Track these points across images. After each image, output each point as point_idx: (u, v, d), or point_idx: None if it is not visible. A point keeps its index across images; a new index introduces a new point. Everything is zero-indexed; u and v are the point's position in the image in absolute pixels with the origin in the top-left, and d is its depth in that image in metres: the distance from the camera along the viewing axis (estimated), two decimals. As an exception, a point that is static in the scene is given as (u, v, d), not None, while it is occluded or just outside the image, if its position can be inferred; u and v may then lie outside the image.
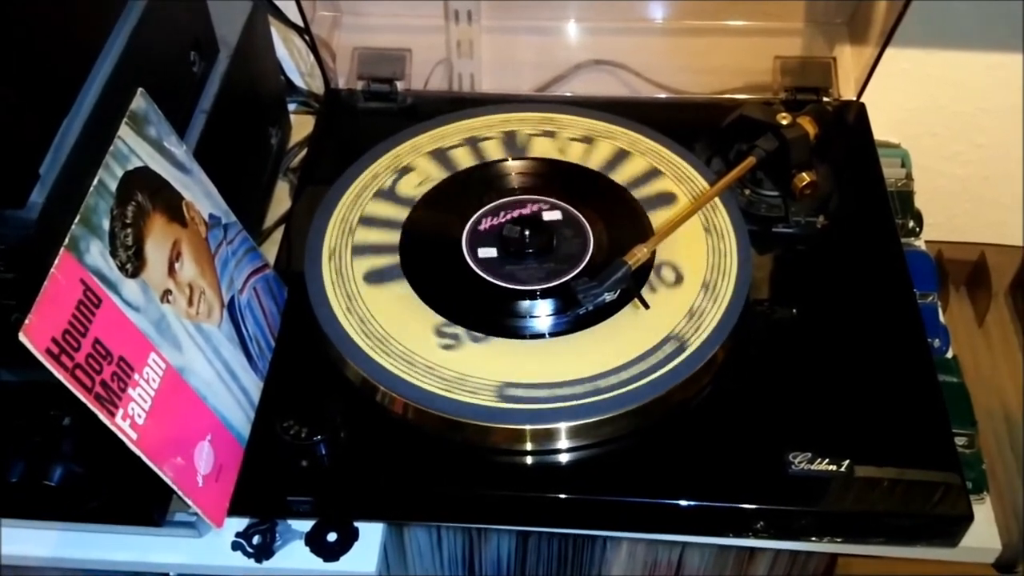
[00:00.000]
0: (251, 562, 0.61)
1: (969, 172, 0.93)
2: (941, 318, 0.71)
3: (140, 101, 0.54)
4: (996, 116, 0.89)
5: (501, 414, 0.56)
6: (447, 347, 0.60)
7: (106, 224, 0.50)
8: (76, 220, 0.48)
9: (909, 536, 0.58)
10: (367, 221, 0.67)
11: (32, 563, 0.63)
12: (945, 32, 0.84)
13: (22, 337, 0.44)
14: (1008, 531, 0.62)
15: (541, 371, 0.58)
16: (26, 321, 0.44)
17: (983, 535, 0.61)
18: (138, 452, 0.50)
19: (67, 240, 0.47)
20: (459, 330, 0.61)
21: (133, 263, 0.52)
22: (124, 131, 0.53)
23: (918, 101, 0.89)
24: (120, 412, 0.49)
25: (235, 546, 0.61)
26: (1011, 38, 0.83)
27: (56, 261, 0.46)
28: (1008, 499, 0.68)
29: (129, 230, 0.52)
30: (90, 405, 0.48)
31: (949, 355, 0.69)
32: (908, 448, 0.57)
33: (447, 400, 0.57)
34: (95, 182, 0.50)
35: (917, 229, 0.76)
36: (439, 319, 0.61)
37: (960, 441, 0.61)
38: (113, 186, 0.51)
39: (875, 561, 0.68)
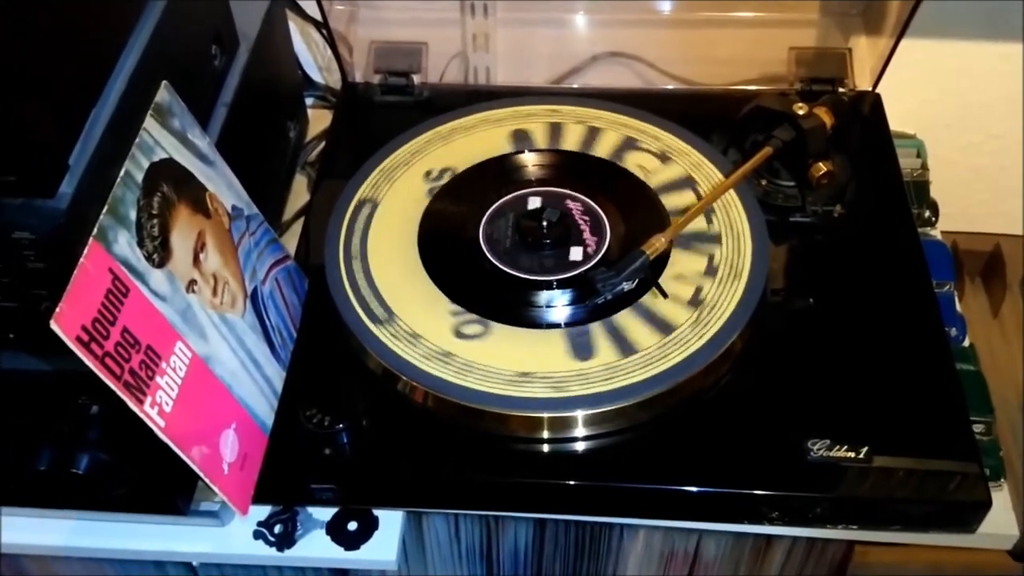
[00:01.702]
0: (273, 551, 0.61)
1: (984, 162, 0.93)
2: (958, 307, 0.71)
3: (164, 93, 0.55)
4: (1011, 106, 0.88)
5: (519, 402, 0.57)
6: (465, 336, 0.60)
7: (133, 215, 0.51)
8: (104, 211, 0.49)
9: (927, 522, 0.58)
10: (385, 213, 0.68)
11: (56, 552, 0.63)
12: (959, 22, 0.84)
13: (53, 325, 0.45)
14: (1025, 518, 0.62)
15: (559, 359, 0.59)
16: (57, 310, 0.45)
17: (1000, 522, 0.61)
18: (166, 439, 0.51)
19: (96, 230, 0.48)
20: (477, 320, 0.61)
21: (159, 253, 0.53)
22: (149, 123, 0.53)
23: (932, 91, 0.88)
24: (148, 400, 0.50)
25: (257, 535, 0.62)
26: (1025, 27, 0.83)
27: (85, 251, 0.47)
28: (1025, 486, 0.68)
29: (155, 221, 0.53)
30: (119, 393, 0.48)
31: (966, 344, 0.69)
32: (926, 435, 0.57)
33: (466, 389, 0.57)
34: (122, 173, 0.50)
35: (933, 219, 0.76)
36: (457, 309, 0.62)
37: (978, 428, 0.61)
38: (139, 177, 0.52)
39: (891, 550, 0.68)
